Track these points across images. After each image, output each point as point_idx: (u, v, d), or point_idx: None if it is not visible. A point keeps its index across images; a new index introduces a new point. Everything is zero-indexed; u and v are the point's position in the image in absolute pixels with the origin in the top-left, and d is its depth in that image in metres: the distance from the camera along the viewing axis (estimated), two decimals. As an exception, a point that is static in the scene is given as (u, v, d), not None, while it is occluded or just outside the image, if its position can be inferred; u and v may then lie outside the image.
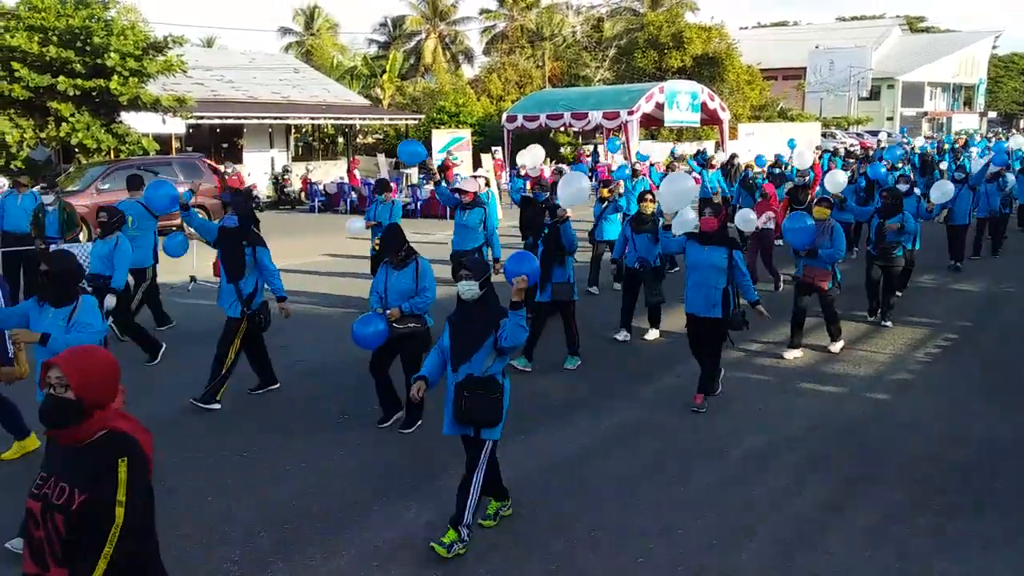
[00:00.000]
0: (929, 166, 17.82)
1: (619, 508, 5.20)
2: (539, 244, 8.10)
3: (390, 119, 32.62)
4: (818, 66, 59.25)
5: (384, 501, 5.30)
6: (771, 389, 7.54)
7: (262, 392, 7.39)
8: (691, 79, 32.89)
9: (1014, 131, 54.68)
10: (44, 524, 2.59)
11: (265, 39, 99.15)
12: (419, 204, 21.59)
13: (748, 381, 7.77)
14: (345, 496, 5.38)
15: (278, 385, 7.49)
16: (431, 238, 15.26)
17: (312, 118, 28.02)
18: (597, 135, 32.76)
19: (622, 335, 9.04)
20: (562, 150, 33.02)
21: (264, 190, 26.23)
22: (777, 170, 15.15)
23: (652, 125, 30.62)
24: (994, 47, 70.27)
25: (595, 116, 26.99)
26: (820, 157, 18.61)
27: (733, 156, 20.72)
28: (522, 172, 14.81)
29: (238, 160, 26.28)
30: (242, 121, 25.90)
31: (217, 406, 6.94)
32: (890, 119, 58.80)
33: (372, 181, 20.11)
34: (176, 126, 22.45)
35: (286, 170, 26.55)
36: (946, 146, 24.37)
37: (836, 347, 8.60)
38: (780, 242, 11.26)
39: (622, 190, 11.94)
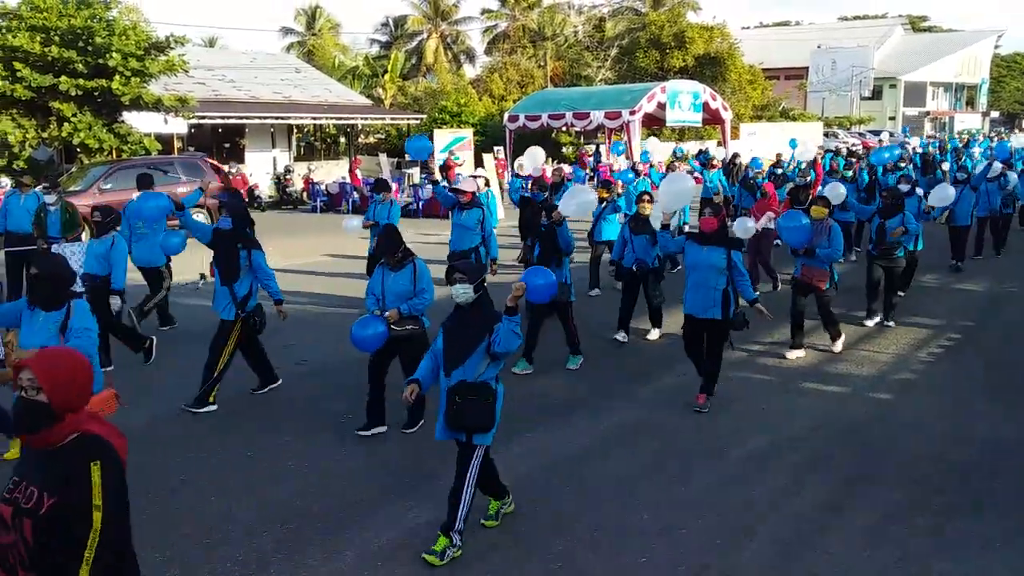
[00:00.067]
0: (931, 166, 17.79)
1: (619, 508, 5.20)
2: (536, 245, 8.08)
3: (392, 119, 32.63)
4: (820, 66, 59.22)
5: (384, 501, 5.31)
6: (774, 389, 7.54)
7: (265, 391, 7.39)
8: (693, 79, 32.90)
9: (1017, 131, 54.68)
10: (13, 529, 2.54)
11: (267, 39, 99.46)
12: (421, 204, 21.59)
13: (751, 381, 7.76)
14: (345, 496, 5.39)
15: (279, 382, 7.49)
16: (433, 238, 15.27)
17: (314, 118, 28.03)
18: (599, 135, 32.78)
19: (621, 336, 9.02)
20: (564, 150, 33.05)
21: (266, 190, 26.26)
22: (779, 170, 15.14)
23: (654, 125, 30.61)
24: (997, 47, 70.20)
25: (597, 116, 27.00)
26: (822, 157, 18.59)
27: (735, 156, 20.71)
28: (521, 172, 14.81)
29: (240, 160, 26.33)
30: (244, 121, 25.93)
31: (214, 407, 6.93)
32: (892, 119, 58.75)
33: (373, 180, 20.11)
34: (178, 126, 22.46)
35: (288, 170, 26.58)
36: (948, 146, 24.34)
37: (837, 346, 8.60)
38: (779, 242, 11.26)
39: (620, 190, 11.92)
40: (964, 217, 13.04)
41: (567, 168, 19.45)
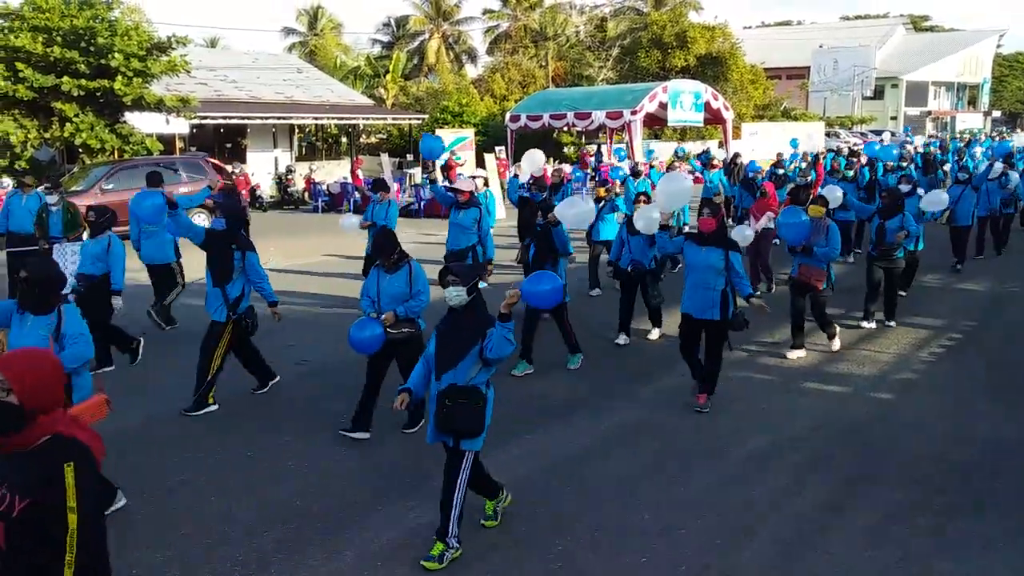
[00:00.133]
0: (932, 166, 17.75)
1: (619, 508, 5.20)
2: (532, 245, 8.06)
3: (393, 119, 32.64)
4: (822, 65, 59.20)
5: (384, 501, 5.30)
6: (775, 389, 7.53)
7: (266, 390, 7.39)
8: (695, 78, 32.88)
9: (1019, 130, 54.61)
10: None
11: (268, 39, 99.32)
12: (422, 204, 21.58)
13: (751, 381, 7.75)
14: (345, 496, 5.39)
15: (278, 378, 7.49)
16: (434, 238, 15.26)
17: (316, 118, 28.04)
18: (600, 135, 32.77)
19: (622, 339, 8.95)
20: (566, 150, 33.05)
21: (268, 190, 26.28)
22: (780, 171, 15.12)
23: (655, 125, 30.61)
24: (998, 46, 70.13)
25: (598, 116, 26.98)
26: (824, 156, 18.56)
27: (736, 155, 20.68)
28: (520, 176, 14.77)
29: (242, 160, 26.35)
30: (246, 121, 25.95)
31: (214, 407, 6.92)
32: (894, 119, 58.72)
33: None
34: (180, 126, 22.50)
35: (290, 170, 26.59)
36: (950, 146, 24.30)
37: (835, 345, 8.59)
38: (777, 241, 11.25)
39: (619, 189, 11.91)
40: (965, 217, 13.01)
41: (567, 168, 19.43)
